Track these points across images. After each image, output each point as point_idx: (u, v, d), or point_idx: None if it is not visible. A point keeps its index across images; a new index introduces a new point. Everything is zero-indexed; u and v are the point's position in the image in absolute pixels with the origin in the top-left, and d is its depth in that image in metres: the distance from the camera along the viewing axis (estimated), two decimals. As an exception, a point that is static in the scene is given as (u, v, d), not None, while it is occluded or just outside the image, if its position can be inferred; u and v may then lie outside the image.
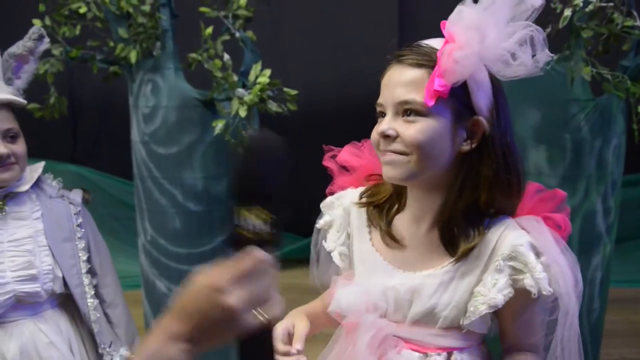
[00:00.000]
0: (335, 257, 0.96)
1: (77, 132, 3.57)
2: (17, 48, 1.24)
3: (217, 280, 0.56)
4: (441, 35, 0.84)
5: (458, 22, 0.80)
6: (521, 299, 0.82)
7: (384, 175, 0.85)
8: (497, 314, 0.86)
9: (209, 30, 1.85)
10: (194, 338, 0.57)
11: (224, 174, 2.05)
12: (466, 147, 0.83)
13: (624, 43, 1.86)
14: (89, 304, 1.21)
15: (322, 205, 1.00)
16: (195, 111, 1.97)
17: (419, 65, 0.81)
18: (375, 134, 0.84)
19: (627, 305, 2.84)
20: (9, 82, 1.22)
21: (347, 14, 3.30)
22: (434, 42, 0.84)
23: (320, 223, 1.00)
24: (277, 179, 0.61)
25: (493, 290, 0.82)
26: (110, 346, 1.24)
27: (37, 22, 1.96)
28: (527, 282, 0.81)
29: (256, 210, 0.59)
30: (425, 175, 0.83)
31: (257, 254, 0.57)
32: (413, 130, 0.81)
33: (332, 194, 1.00)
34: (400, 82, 0.82)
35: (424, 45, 0.84)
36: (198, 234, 2.07)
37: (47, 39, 1.28)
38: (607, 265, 2.04)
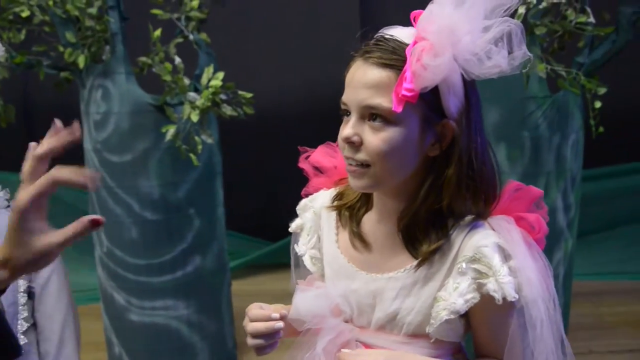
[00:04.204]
0: (307, 260, 0.93)
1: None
2: None
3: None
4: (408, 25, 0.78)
5: (430, 24, 0.74)
6: (488, 305, 0.77)
7: (350, 183, 0.82)
8: (469, 321, 0.82)
9: (158, 32, 1.79)
10: (10, 257, 0.61)
11: (182, 180, 1.99)
12: (434, 151, 0.78)
13: (579, 40, 1.87)
14: (18, 326, 1.14)
15: (297, 207, 0.96)
16: (149, 117, 1.91)
17: (384, 66, 0.75)
18: (340, 138, 0.80)
19: (593, 298, 2.88)
20: None
21: (310, 18, 3.27)
22: (403, 34, 0.77)
23: (292, 227, 0.96)
24: None
25: (454, 294, 0.77)
26: None
27: (-22, 28, 1.88)
28: (491, 286, 0.76)
29: None
30: (391, 183, 0.80)
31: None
32: (378, 140, 0.76)
33: (307, 195, 0.96)
34: (365, 84, 0.76)
35: (391, 38, 0.77)
36: (156, 244, 2.00)
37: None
38: (570, 260, 2.06)
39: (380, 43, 0.77)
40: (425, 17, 0.75)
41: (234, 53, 3.05)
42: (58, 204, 3.36)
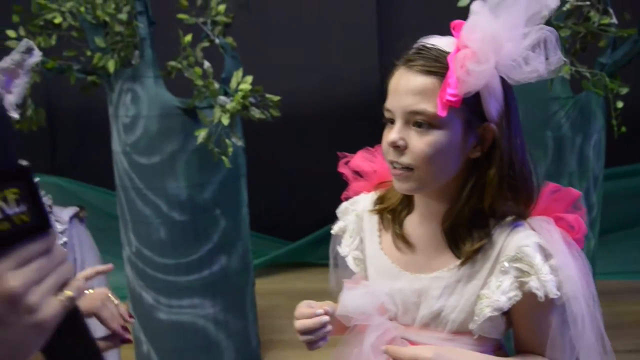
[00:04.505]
0: (350, 261, 0.96)
1: (57, 143, 3.51)
2: (4, 62, 1.21)
3: None
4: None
5: (473, 32, 0.78)
6: (530, 302, 0.80)
7: (394, 186, 0.85)
8: (510, 318, 0.84)
9: (188, 37, 1.83)
10: None
11: (208, 182, 2.03)
12: (476, 153, 0.82)
13: (599, 40, 1.88)
14: None
15: (337, 211, 1.00)
16: (177, 120, 1.95)
17: (428, 73, 0.79)
18: (385, 142, 0.83)
19: (614, 297, 2.87)
20: None
21: (327, 18, 3.29)
22: (443, 43, 0.81)
23: (334, 229, 1.00)
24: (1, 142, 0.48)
25: (497, 292, 0.80)
26: None
27: (11, 34, 1.93)
28: (533, 284, 0.78)
29: None
30: (434, 185, 0.83)
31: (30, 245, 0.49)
32: (423, 144, 0.79)
33: (347, 199, 1.00)
34: (410, 90, 0.80)
35: (432, 47, 0.81)
36: (184, 244, 2.04)
37: (37, 52, 1.23)
38: (592, 260, 2.07)
39: (423, 51, 0.81)
40: (469, 27, 0.79)
41: (250, 56, 3.08)
42: (85, 206, 3.42)
